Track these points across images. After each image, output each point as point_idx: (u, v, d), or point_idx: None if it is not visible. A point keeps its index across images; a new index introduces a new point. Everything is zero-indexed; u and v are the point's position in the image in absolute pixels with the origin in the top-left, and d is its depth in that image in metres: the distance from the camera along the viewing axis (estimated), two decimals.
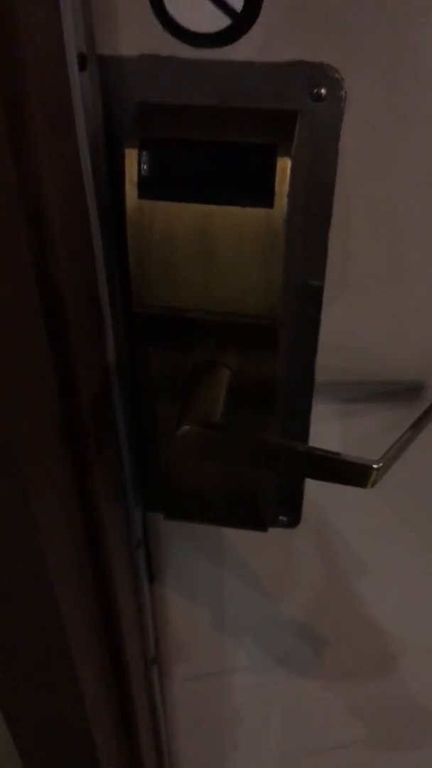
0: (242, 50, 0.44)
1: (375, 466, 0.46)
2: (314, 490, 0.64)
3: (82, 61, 0.43)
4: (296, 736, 0.90)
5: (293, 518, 0.66)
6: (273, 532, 0.67)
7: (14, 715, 0.72)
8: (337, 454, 0.47)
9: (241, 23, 0.43)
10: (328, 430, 0.59)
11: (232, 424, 0.49)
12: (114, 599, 0.66)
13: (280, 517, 0.66)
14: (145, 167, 0.44)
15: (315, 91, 0.44)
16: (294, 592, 0.73)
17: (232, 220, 0.44)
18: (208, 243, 0.45)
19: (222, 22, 0.43)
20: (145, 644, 0.79)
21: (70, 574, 0.58)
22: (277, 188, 0.43)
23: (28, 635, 0.62)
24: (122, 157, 0.44)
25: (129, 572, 0.69)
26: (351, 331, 0.54)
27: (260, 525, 0.63)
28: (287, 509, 0.65)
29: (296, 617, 0.76)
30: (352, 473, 0.47)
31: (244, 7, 0.42)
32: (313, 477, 0.49)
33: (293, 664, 0.81)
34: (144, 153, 0.44)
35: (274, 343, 0.50)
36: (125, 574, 0.68)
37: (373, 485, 0.47)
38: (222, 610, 0.77)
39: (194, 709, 0.90)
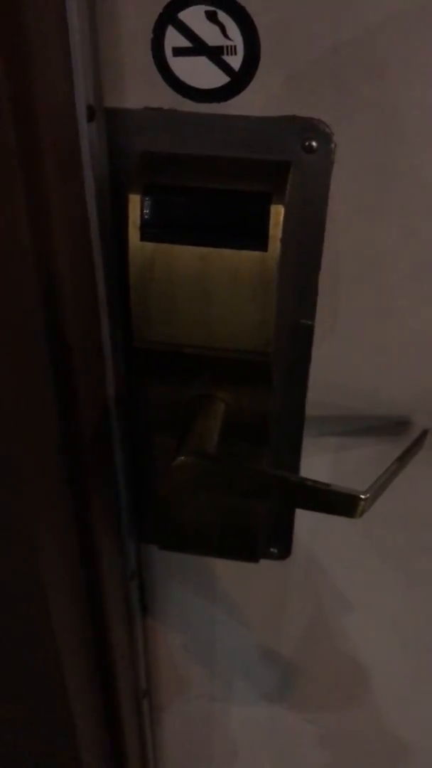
0: (239, 105, 0.47)
1: (363, 496, 0.48)
2: (305, 523, 0.65)
3: (91, 113, 0.45)
4: None
5: (284, 550, 0.67)
6: (264, 564, 0.68)
7: (3, 745, 0.71)
8: (327, 484, 0.48)
9: (239, 81, 0.46)
10: (319, 462, 0.60)
11: (226, 456, 0.51)
12: (107, 630, 0.66)
13: (271, 549, 0.67)
14: (147, 211, 0.46)
15: (307, 143, 0.47)
16: (286, 625, 0.74)
17: (228, 262, 0.46)
18: (205, 283, 0.47)
19: (221, 79, 0.46)
20: (137, 677, 0.79)
21: (66, 604, 0.59)
22: (271, 233, 0.45)
23: (23, 664, 0.62)
24: (126, 202, 0.46)
25: (122, 603, 0.70)
26: (340, 368, 0.56)
27: (252, 557, 0.64)
28: (278, 542, 0.66)
29: (288, 650, 0.76)
30: (341, 503, 0.48)
31: (242, 66, 0.45)
32: (303, 507, 0.50)
33: (286, 699, 0.81)
34: (147, 198, 0.46)
35: (267, 378, 0.52)
36: (119, 604, 0.68)
37: (361, 515, 0.48)
38: (214, 643, 0.77)
39: (185, 744, 0.89)
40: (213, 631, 0.76)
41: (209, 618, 0.75)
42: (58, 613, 0.57)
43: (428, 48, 0.44)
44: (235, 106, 0.47)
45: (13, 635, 0.59)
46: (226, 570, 0.71)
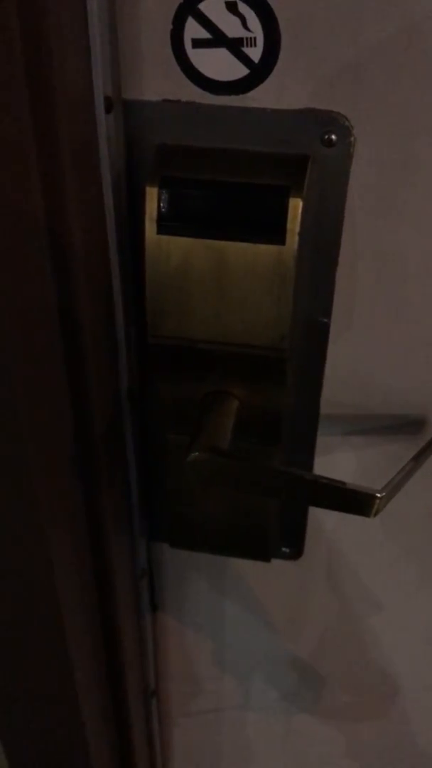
0: (258, 98, 0.46)
1: (378, 495, 0.47)
2: (318, 523, 0.65)
3: (108, 104, 0.45)
4: None
5: (296, 550, 0.66)
6: (277, 564, 0.67)
7: (13, 744, 0.71)
8: (342, 483, 0.48)
9: (258, 73, 0.45)
10: (332, 460, 0.60)
11: (239, 453, 0.50)
12: (117, 629, 0.66)
13: (283, 549, 0.66)
14: (164, 205, 0.46)
15: (326, 137, 0.46)
16: (297, 626, 0.73)
17: (245, 256, 0.46)
18: (221, 277, 0.47)
19: (240, 71, 0.46)
20: (146, 677, 0.78)
21: (76, 603, 0.58)
22: (288, 226, 0.45)
23: (33, 663, 0.61)
24: (143, 195, 0.46)
25: (132, 602, 0.69)
26: (356, 365, 0.55)
27: (263, 556, 0.63)
28: (290, 541, 0.66)
29: (299, 651, 0.75)
30: (356, 502, 0.47)
31: (262, 58, 0.45)
32: (317, 505, 0.50)
33: (296, 700, 0.80)
34: (164, 191, 0.46)
35: (282, 375, 0.51)
36: (129, 603, 0.68)
37: (376, 514, 0.47)
38: (224, 643, 0.76)
39: (195, 747, 0.88)
40: (224, 631, 0.75)
41: (220, 618, 0.74)
42: (68, 611, 0.56)
43: None
44: (254, 99, 0.46)
45: (23, 634, 0.59)
46: (238, 569, 0.70)
